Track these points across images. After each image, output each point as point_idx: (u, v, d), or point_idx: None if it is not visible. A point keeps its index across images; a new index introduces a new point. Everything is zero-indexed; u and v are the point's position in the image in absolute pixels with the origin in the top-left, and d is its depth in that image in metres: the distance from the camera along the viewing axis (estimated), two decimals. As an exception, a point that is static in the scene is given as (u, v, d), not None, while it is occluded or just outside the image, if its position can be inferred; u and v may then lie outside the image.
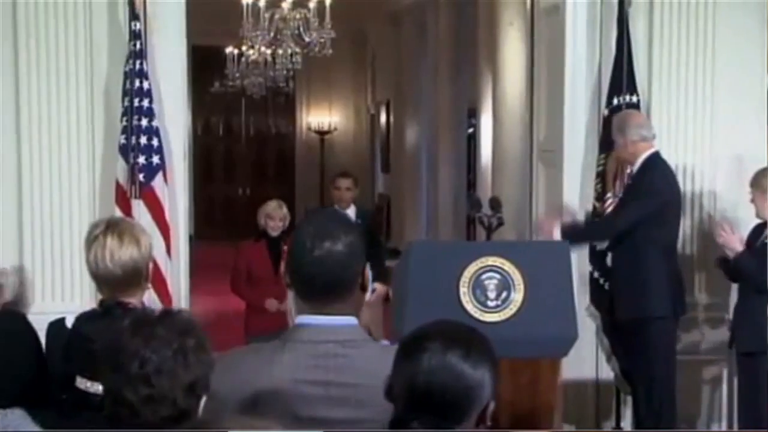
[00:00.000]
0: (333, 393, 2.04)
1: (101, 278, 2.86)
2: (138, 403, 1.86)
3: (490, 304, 4.10)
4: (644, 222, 4.87)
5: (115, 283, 2.83)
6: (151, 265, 2.94)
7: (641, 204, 4.92)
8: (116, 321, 2.24)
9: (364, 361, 2.01)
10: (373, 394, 1.91)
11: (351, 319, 2.11)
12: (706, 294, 5.53)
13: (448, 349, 1.78)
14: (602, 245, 5.34)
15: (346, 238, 2.09)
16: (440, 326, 1.87)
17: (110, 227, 2.88)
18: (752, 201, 4.97)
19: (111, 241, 2.83)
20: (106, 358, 1.92)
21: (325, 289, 2.07)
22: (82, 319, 2.91)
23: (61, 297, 4.97)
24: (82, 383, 2.73)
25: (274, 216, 6.20)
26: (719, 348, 5.43)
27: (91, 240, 2.87)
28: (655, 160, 5.01)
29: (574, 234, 4.96)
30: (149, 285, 3.05)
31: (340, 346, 2.06)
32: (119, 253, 2.82)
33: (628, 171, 5.18)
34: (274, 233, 6.16)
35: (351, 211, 6.44)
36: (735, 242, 4.87)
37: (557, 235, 4.96)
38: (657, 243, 4.94)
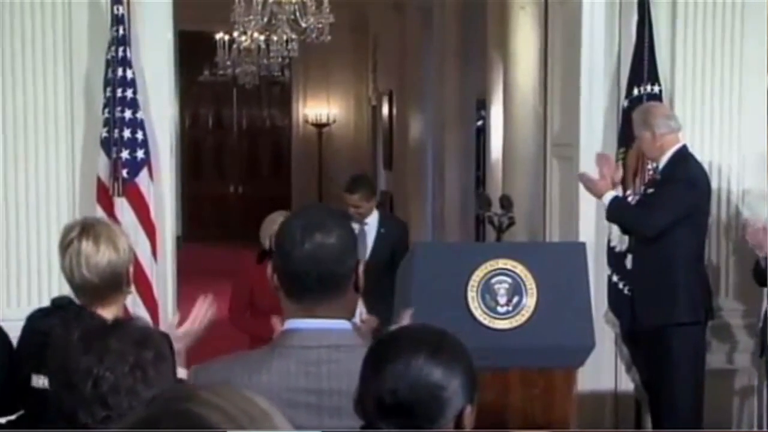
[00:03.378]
0: (326, 402, 2.04)
1: (77, 286, 2.85)
2: (94, 425, 1.82)
3: (501, 310, 4.09)
4: (680, 219, 4.83)
5: (93, 291, 2.82)
6: (131, 269, 2.93)
7: (678, 198, 4.86)
8: (70, 315, 2.20)
9: (358, 367, 2.00)
10: None
11: (344, 323, 2.11)
12: (737, 299, 5.52)
13: (415, 351, 1.79)
14: (621, 247, 5.33)
15: (339, 230, 2.09)
16: (407, 330, 1.91)
17: (85, 230, 2.86)
18: None
19: (86, 246, 2.81)
20: (56, 377, 1.87)
21: (319, 285, 2.06)
22: (34, 317, 2.91)
23: (38, 302, 4.94)
24: (37, 381, 2.71)
25: None
26: (751, 357, 5.42)
27: (65, 245, 2.86)
28: (685, 153, 4.99)
29: (616, 209, 4.93)
30: (131, 290, 3.04)
31: (333, 351, 2.06)
32: (96, 258, 2.81)
33: (650, 167, 5.17)
34: None
35: (372, 220, 6.03)
36: (766, 241, 4.85)
37: (606, 197, 4.92)
38: (684, 244, 4.91)
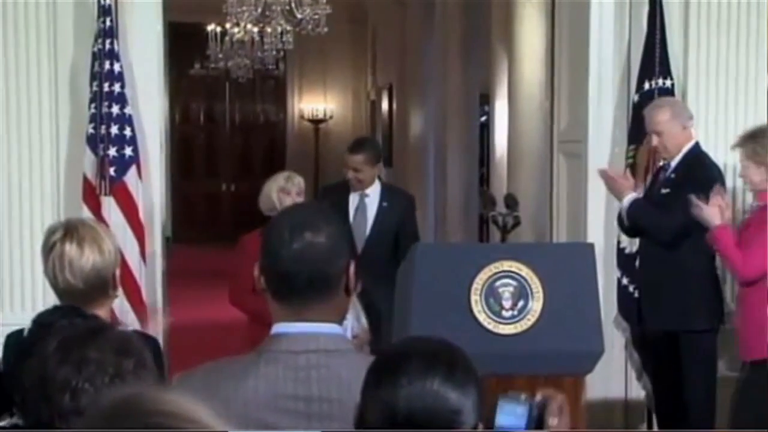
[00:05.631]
0: (315, 409, 2.04)
1: (62, 291, 2.85)
2: None
3: (506, 314, 4.09)
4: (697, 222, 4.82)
5: (78, 296, 2.82)
6: (118, 272, 2.93)
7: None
8: (74, 314, 2.18)
9: (348, 373, 1.99)
10: None
11: (334, 327, 2.10)
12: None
13: (429, 370, 1.76)
14: (631, 248, 5.32)
15: (328, 229, 2.07)
16: (416, 344, 1.85)
17: (68, 233, 2.86)
18: None
19: (69, 249, 2.81)
20: (33, 387, 1.85)
21: (308, 286, 2.05)
22: (42, 314, 2.92)
23: (21, 306, 4.97)
24: None
25: (290, 190, 5.16)
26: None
27: (47, 248, 2.85)
28: (698, 151, 4.98)
29: (635, 212, 4.93)
30: (118, 294, 3.04)
31: (322, 356, 2.05)
32: (80, 262, 2.80)
33: (661, 164, 5.16)
34: None
35: (373, 192, 5.59)
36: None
37: (627, 198, 4.94)
38: (699, 247, 4.88)
